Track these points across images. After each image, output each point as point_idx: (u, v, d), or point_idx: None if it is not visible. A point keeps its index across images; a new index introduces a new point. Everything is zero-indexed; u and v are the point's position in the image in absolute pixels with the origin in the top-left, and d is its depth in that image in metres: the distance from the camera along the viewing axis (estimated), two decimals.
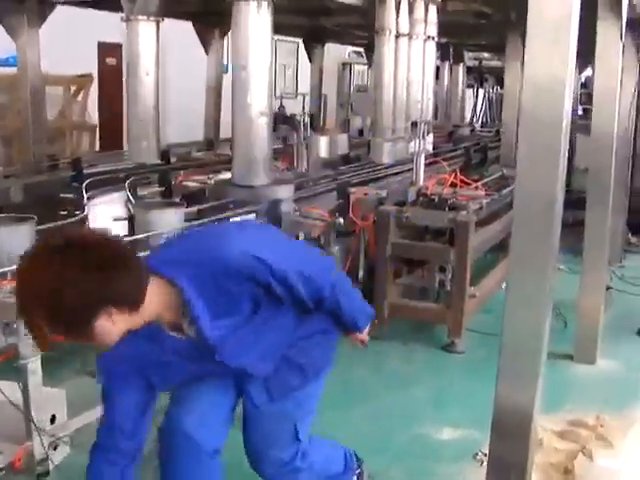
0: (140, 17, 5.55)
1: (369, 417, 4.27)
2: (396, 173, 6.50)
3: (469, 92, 15.48)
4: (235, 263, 2.17)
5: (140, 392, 2.43)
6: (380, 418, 4.26)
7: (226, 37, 9.53)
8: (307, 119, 6.18)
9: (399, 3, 6.45)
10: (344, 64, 17.06)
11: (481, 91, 16.10)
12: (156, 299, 2.11)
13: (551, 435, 3.85)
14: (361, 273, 6.05)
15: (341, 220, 4.67)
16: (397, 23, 6.50)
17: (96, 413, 3.86)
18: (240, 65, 4.44)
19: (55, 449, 3.54)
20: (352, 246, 5.84)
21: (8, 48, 7.27)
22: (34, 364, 3.13)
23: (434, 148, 8.07)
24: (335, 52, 15.55)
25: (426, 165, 6.49)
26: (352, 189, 5.59)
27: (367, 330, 2.82)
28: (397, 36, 6.56)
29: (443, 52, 11.32)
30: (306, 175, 6.05)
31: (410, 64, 6.89)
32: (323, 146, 6.04)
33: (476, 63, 14.14)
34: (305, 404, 2.74)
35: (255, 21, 4.40)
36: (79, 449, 3.58)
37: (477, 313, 5.52)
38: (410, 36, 6.76)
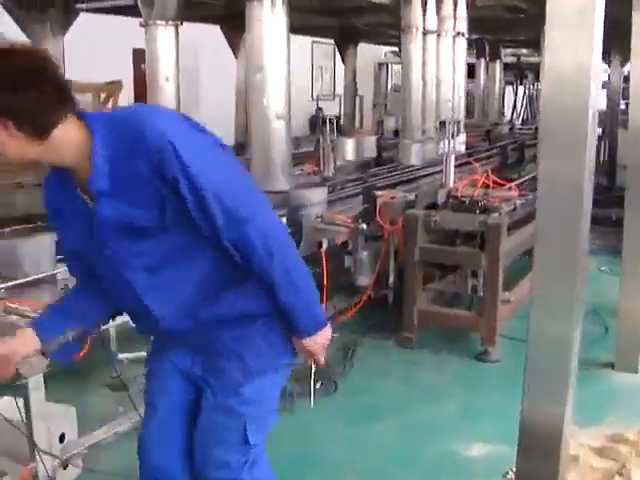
0: (158, 22, 5.42)
1: (397, 430, 4.09)
2: (426, 175, 6.28)
3: (509, 89, 15.17)
4: (150, 143, 1.94)
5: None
6: (408, 431, 4.07)
7: None
8: (335, 121, 5.96)
9: (426, 0, 6.23)
10: (380, 64, 16.83)
11: (521, 88, 15.74)
12: (70, 142, 1.99)
13: (588, 451, 3.60)
14: (391, 279, 5.86)
15: (364, 226, 4.47)
16: (424, 20, 6.29)
17: (109, 431, 3.77)
18: (255, 67, 4.28)
19: (65, 468, 3.42)
20: (381, 251, 5.65)
21: None
22: (35, 382, 2.99)
23: (469, 148, 7.82)
24: (371, 52, 15.36)
25: (459, 166, 6.26)
26: (379, 192, 5.39)
27: (318, 342, 2.29)
28: (425, 33, 6.34)
29: (478, 49, 11.04)
30: (332, 179, 5.86)
31: (439, 62, 6.66)
32: (350, 149, 5.85)
33: (514, 59, 13.80)
34: (255, 403, 2.33)
35: (269, 21, 4.24)
36: (91, 469, 3.47)
37: (512, 319, 5.26)
38: (438, 33, 6.53)
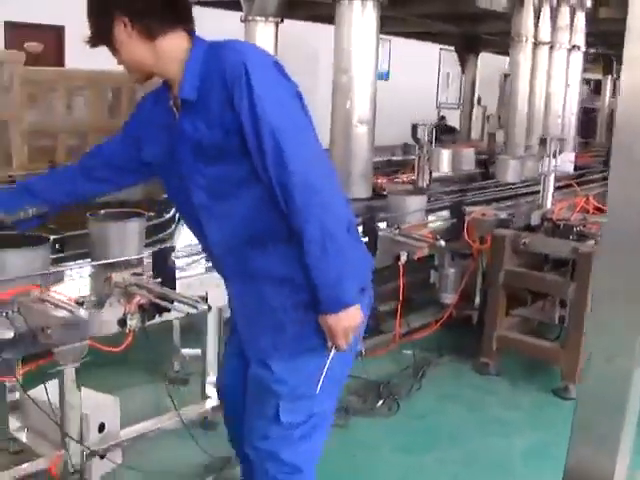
0: (258, 18, 5.37)
1: (455, 462, 3.84)
2: (525, 194, 5.93)
3: None
4: (229, 68, 2.08)
5: (132, 152, 2.50)
6: (467, 465, 3.82)
7: None
8: (432, 130, 5.73)
9: (539, 9, 5.89)
10: (506, 75, 16.28)
11: None
12: (175, 54, 2.18)
13: None
14: (477, 300, 5.58)
15: (442, 242, 4.22)
16: (536, 30, 5.95)
17: (153, 426, 3.72)
18: (342, 69, 4.12)
19: (102, 458, 3.37)
20: (467, 270, 5.39)
21: None
22: (70, 370, 2.96)
23: (581, 168, 7.37)
24: (496, 62, 14.92)
25: (562, 187, 5.90)
26: (469, 208, 5.12)
27: (341, 323, 2.13)
28: (536, 44, 5.99)
29: (605, 64, 10.47)
30: (425, 189, 5.62)
31: (551, 75, 6.30)
32: (445, 160, 5.59)
33: None
34: (288, 383, 2.28)
35: (359, 22, 4.07)
36: (130, 464, 3.41)
37: None
38: (552, 45, 6.17)
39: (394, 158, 7.83)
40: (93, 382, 3.34)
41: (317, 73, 14.82)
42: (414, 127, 5.75)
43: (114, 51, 2.24)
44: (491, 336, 4.90)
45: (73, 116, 8.20)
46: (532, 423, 4.33)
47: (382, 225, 4.38)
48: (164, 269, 3.20)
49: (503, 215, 5.12)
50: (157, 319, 3.13)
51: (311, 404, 2.33)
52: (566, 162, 6.23)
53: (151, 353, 4.81)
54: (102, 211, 3.48)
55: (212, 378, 4.08)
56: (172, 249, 3.24)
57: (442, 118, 19.33)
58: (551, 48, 6.22)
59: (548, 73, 6.26)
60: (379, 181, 6.10)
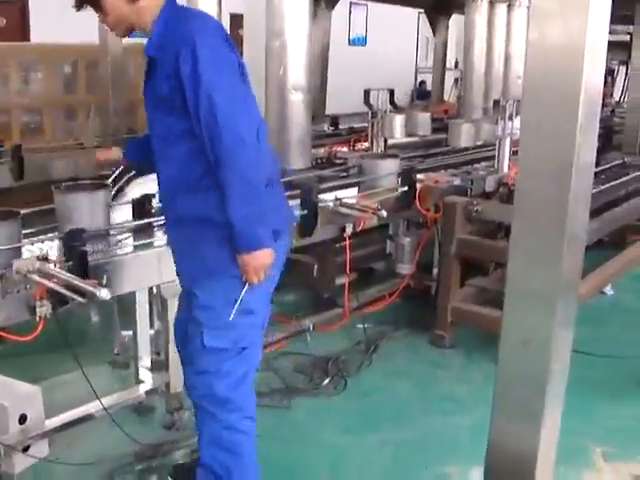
0: None
1: (396, 443, 3.69)
2: (485, 159, 5.73)
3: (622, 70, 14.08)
4: (182, 33, 2.41)
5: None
6: (408, 447, 3.66)
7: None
8: (386, 95, 5.51)
9: None
10: None
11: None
12: (151, 12, 2.50)
13: None
14: (435, 270, 5.40)
15: (384, 212, 4.04)
16: None
17: (77, 413, 3.55)
18: (274, 33, 3.90)
19: (24, 451, 3.21)
20: (422, 240, 5.22)
21: None
22: None
23: None
24: None
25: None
26: (421, 176, 4.94)
27: (254, 263, 2.49)
28: (492, 2, 5.76)
29: None
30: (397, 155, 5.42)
31: (510, 35, 6.07)
32: (398, 126, 5.38)
33: (626, 38, 12.74)
34: (208, 309, 2.63)
35: None
36: (57, 454, 3.25)
37: None
38: (510, 3, 5.93)
39: (358, 125, 7.60)
40: (34, 369, 3.18)
41: None
42: (366, 92, 5.53)
43: (99, 10, 2.54)
44: (445, 308, 4.74)
45: (28, 92, 7.98)
46: (483, 398, 4.11)
47: (324, 196, 4.19)
48: (74, 252, 3.02)
49: (456, 182, 4.94)
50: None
51: (232, 333, 2.63)
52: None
53: (92, 335, 4.73)
54: (67, 183, 3.45)
55: (146, 362, 3.92)
56: (82, 231, 3.04)
57: (422, 83, 19.11)
58: (509, 6, 5.98)
59: (507, 33, 6.02)
60: (334, 149, 5.93)
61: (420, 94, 18.21)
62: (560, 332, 2.36)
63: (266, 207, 2.45)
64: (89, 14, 2.64)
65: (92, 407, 3.59)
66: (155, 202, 3.74)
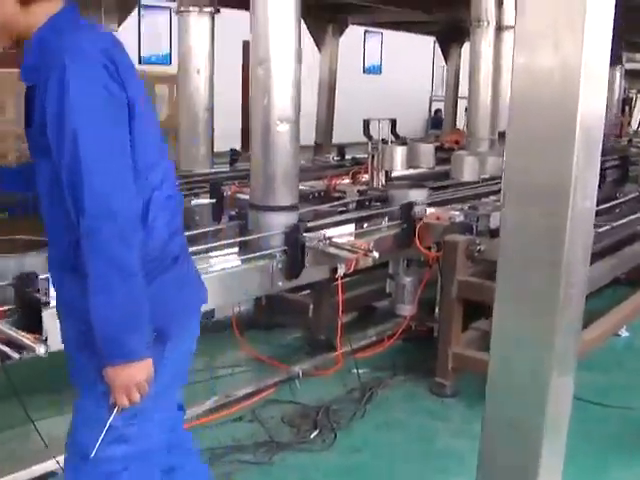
0: (192, 8, 4.90)
1: None
2: (492, 193, 5.42)
3: None
4: (52, 62, 1.82)
5: None
6: None
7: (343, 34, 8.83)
8: (387, 125, 5.24)
9: None
10: None
11: None
12: (40, 23, 1.91)
13: None
14: (437, 311, 5.08)
15: (376, 254, 3.74)
16: (499, 13, 5.44)
17: (32, 472, 3.25)
18: (258, 59, 3.64)
19: None
20: (423, 279, 4.91)
21: None
22: None
23: None
24: None
25: None
26: (420, 211, 4.64)
27: (120, 379, 1.86)
28: (500, 29, 5.49)
29: None
30: (375, 191, 5.14)
31: None
32: (399, 158, 5.10)
33: None
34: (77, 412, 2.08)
35: (275, 3, 3.58)
36: None
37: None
38: None
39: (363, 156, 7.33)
40: None
41: None
42: (365, 123, 5.25)
43: None
44: (446, 353, 4.41)
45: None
46: None
47: (311, 235, 3.90)
48: (25, 298, 2.75)
49: (460, 218, 4.63)
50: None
51: (96, 470, 2.03)
52: None
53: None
54: None
55: None
56: (34, 275, 2.76)
57: (437, 111, 18.91)
58: None
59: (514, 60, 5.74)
60: (333, 182, 5.65)
61: (435, 123, 18.03)
62: (558, 380, 2.06)
63: (144, 301, 1.84)
64: None
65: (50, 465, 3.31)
66: None
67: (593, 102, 1.69)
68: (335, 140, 9.15)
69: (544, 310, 1.91)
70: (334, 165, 7.53)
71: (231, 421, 4.02)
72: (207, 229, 4.18)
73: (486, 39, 5.42)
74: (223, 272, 3.50)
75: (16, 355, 2.41)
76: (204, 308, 3.59)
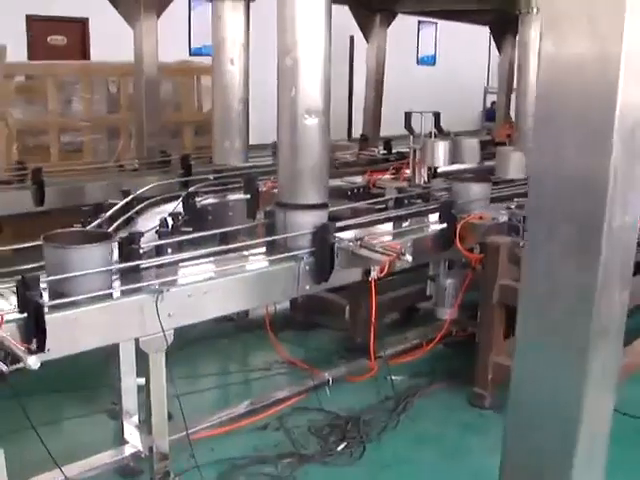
0: None
1: None
2: None
3: None
4: None
5: None
6: None
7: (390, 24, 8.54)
8: (429, 117, 4.97)
9: None
10: None
11: None
12: None
13: None
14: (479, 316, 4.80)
15: (409, 258, 3.49)
16: None
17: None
18: (285, 48, 3.42)
19: None
20: (465, 281, 4.63)
21: None
22: None
23: None
24: None
25: None
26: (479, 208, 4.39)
27: None
28: None
29: None
30: (416, 188, 4.88)
31: None
32: (441, 153, 4.82)
33: None
34: None
35: None
36: None
37: (622, 386, 4.06)
38: None
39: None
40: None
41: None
42: (407, 115, 4.99)
43: None
44: (485, 363, 4.15)
45: (67, 112, 7.73)
46: None
47: (345, 235, 3.68)
48: (27, 303, 2.59)
49: (504, 218, 4.34)
50: None
51: None
52: None
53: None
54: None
55: (133, 419, 3.47)
56: (36, 278, 2.60)
57: (493, 104, 18.39)
58: None
59: None
60: (373, 178, 5.41)
61: (490, 115, 17.54)
62: (595, 393, 1.80)
63: None
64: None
65: (71, 469, 3.18)
66: (144, 241, 3.30)
67: (636, 94, 1.43)
68: (386, 133, 8.90)
69: (577, 332, 1.65)
70: (379, 159, 7.27)
71: (256, 429, 3.83)
72: (236, 227, 3.97)
73: (535, 28, 5.10)
74: (243, 274, 3.30)
75: (4, 367, 2.24)
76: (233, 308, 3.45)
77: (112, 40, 8.54)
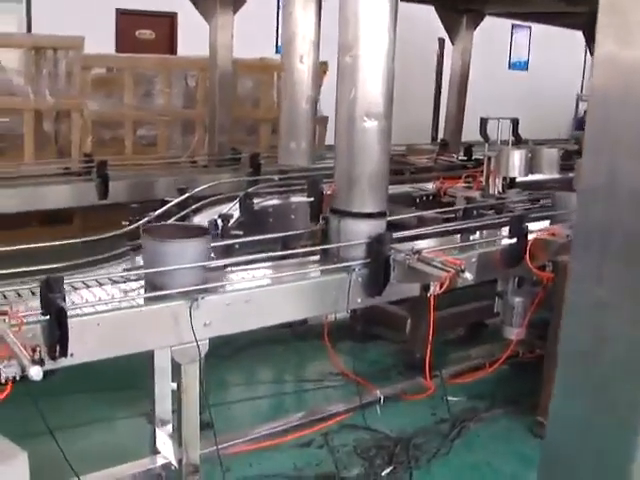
0: None
1: None
2: None
3: None
4: None
5: None
6: None
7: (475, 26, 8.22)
8: (507, 123, 4.69)
9: None
10: None
11: None
12: None
13: None
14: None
15: (468, 275, 3.23)
16: None
17: None
18: (346, 46, 3.22)
19: None
20: (535, 300, 4.33)
21: None
22: None
23: None
24: None
25: None
26: (534, 225, 4.09)
27: None
28: None
29: None
30: (489, 199, 4.60)
31: None
32: (516, 163, 4.51)
33: None
34: None
35: None
36: None
37: None
38: None
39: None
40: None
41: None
42: (483, 121, 4.71)
43: None
44: (550, 389, 3.83)
45: (146, 105, 7.72)
46: None
47: (403, 247, 3.45)
48: (50, 304, 2.47)
49: None
50: None
51: None
52: None
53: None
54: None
55: (166, 428, 3.32)
56: (60, 279, 2.48)
57: (585, 112, 17.77)
58: None
59: None
60: (444, 185, 5.14)
61: (581, 124, 16.91)
62: None
63: None
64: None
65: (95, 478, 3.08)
66: None
67: None
68: (469, 138, 8.62)
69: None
70: (457, 165, 7.01)
71: (299, 445, 3.65)
72: (287, 233, 3.80)
73: None
74: (288, 284, 3.11)
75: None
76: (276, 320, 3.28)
77: (200, 35, 8.52)
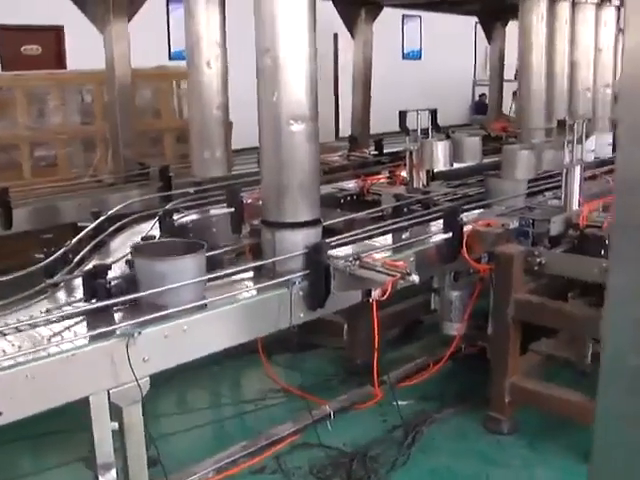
0: None
1: None
2: (548, 190, 4.71)
3: None
4: None
5: None
6: None
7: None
8: (425, 115, 4.59)
9: None
10: None
11: None
12: None
13: None
14: (490, 329, 4.42)
15: (415, 277, 3.10)
16: None
17: None
18: (263, 48, 3.02)
19: None
20: (474, 293, 4.24)
21: None
22: None
23: None
24: None
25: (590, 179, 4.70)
26: (467, 216, 4.00)
27: None
28: (553, 0, 4.76)
29: None
30: (415, 193, 4.49)
31: (576, 38, 5.04)
32: (441, 154, 4.42)
33: None
34: None
35: None
36: None
37: None
38: (574, 1, 4.91)
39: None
40: None
41: None
42: (402, 114, 4.59)
43: None
44: (501, 384, 3.76)
45: (41, 124, 7.30)
46: None
47: (340, 253, 3.28)
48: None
49: (514, 224, 3.96)
50: None
51: None
52: (604, 146, 5.02)
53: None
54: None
55: (110, 473, 3.04)
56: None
57: (481, 96, 18.07)
58: (574, 4, 4.96)
59: (571, 36, 4.99)
60: (367, 183, 5.01)
61: (479, 108, 17.23)
62: None
63: None
64: None
65: None
66: (112, 275, 2.89)
67: None
68: (373, 130, 8.53)
69: None
70: (371, 161, 6.91)
71: (252, 473, 3.44)
72: (220, 250, 3.57)
73: (538, 13, 4.70)
74: (226, 307, 2.89)
75: None
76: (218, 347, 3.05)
77: (90, 48, 8.12)
